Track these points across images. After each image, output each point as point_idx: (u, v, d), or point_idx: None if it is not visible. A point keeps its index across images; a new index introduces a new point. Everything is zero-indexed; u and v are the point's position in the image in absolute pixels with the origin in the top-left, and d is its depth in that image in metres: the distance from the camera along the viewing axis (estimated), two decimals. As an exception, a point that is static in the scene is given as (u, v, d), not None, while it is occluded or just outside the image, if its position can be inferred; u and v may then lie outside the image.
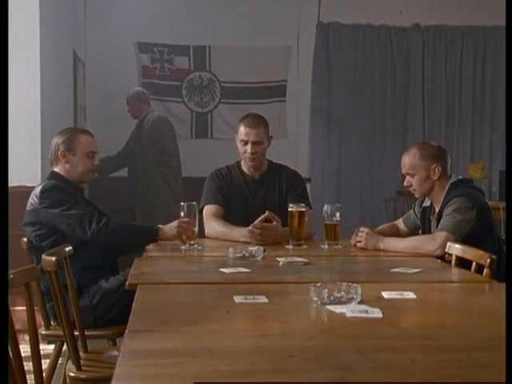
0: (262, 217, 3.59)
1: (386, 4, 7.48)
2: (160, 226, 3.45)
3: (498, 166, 7.35)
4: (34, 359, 2.18)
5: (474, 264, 2.88)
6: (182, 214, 3.38)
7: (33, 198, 3.38)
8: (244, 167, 3.98)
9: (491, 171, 7.35)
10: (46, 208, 3.34)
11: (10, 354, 1.90)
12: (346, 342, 1.75)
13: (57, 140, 3.51)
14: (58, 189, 3.38)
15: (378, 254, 3.32)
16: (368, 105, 7.63)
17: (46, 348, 3.66)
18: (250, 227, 3.55)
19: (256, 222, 3.57)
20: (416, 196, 3.66)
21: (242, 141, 3.85)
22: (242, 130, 3.85)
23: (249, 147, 3.83)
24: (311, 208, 3.94)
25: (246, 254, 3.05)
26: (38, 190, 3.40)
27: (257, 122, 3.88)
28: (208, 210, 3.83)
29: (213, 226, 3.74)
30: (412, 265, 2.87)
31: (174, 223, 3.39)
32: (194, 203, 3.45)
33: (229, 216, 3.85)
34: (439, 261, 3.16)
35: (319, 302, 2.09)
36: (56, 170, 3.50)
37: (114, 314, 3.18)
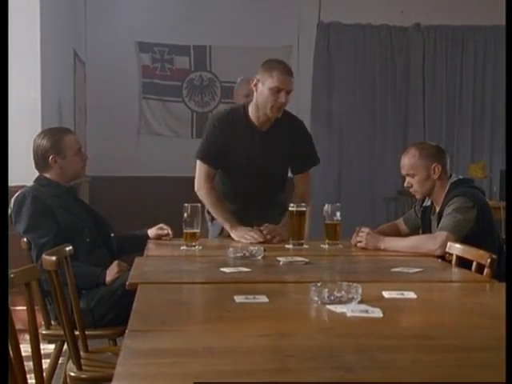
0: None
1: (387, 4, 7.48)
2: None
3: (499, 165, 7.35)
4: (35, 359, 2.18)
5: (474, 264, 2.88)
6: (186, 215, 3.36)
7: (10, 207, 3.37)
8: (253, 115, 3.71)
9: (492, 171, 7.35)
10: (15, 223, 3.35)
11: (11, 353, 1.90)
12: (347, 341, 1.75)
13: (43, 144, 3.43)
14: (26, 204, 3.33)
15: (379, 254, 3.32)
16: (368, 104, 7.63)
17: (47, 347, 3.66)
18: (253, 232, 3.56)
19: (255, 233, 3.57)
20: (417, 197, 3.65)
21: (274, 88, 3.55)
22: (279, 76, 3.55)
23: (282, 96, 3.57)
24: (319, 161, 3.92)
25: (247, 254, 3.05)
26: (13, 198, 3.38)
27: (291, 70, 3.65)
28: (201, 167, 3.75)
29: (203, 191, 3.74)
30: (412, 264, 2.87)
31: (114, 265, 3.32)
32: (198, 205, 3.45)
33: (227, 167, 3.79)
34: (440, 260, 3.16)
35: (319, 302, 2.09)
36: (47, 175, 3.45)
37: (112, 317, 3.16)
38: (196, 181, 3.82)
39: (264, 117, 3.69)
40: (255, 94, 3.67)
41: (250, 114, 3.73)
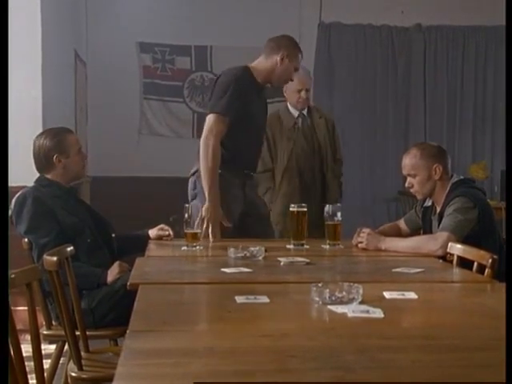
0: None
1: (388, 4, 7.47)
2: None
3: (500, 166, 7.35)
4: (36, 359, 2.18)
5: (475, 264, 2.88)
6: (186, 215, 3.36)
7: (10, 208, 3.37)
8: (260, 77, 3.95)
9: (493, 171, 7.35)
10: (16, 224, 3.36)
11: (12, 353, 1.90)
12: (347, 342, 1.75)
13: (45, 144, 3.43)
14: (26, 205, 3.33)
15: (380, 254, 3.32)
16: (369, 105, 7.63)
17: (48, 348, 3.66)
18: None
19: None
20: (418, 197, 3.66)
21: (296, 67, 3.99)
22: (300, 58, 3.99)
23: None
24: None
25: (248, 254, 3.05)
26: (13, 199, 3.38)
27: None
28: (216, 123, 3.76)
29: (212, 143, 3.72)
30: (413, 265, 2.87)
31: (115, 265, 3.33)
32: (199, 205, 3.44)
33: (236, 126, 3.83)
34: (441, 261, 3.16)
35: (320, 302, 2.09)
36: (49, 176, 3.46)
37: (113, 317, 3.17)
38: (207, 134, 3.76)
39: (268, 82, 4.01)
40: (277, 65, 3.91)
41: (256, 75, 3.94)
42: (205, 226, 3.61)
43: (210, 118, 3.78)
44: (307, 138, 5.00)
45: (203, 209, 3.65)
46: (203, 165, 3.73)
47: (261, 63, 3.97)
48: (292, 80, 4.10)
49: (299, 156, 4.96)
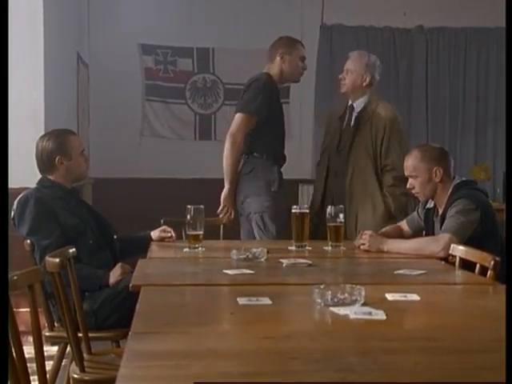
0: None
1: (390, 6, 7.47)
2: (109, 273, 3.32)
3: (502, 167, 7.33)
4: (38, 361, 2.18)
5: (477, 266, 2.88)
6: (189, 217, 3.36)
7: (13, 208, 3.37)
8: (276, 80, 4.34)
9: (495, 173, 7.34)
10: (18, 226, 3.36)
11: (14, 355, 1.90)
12: (350, 343, 1.75)
13: (48, 146, 3.43)
14: (29, 206, 3.33)
15: (382, 256, 3.32)
16: (371, 106, 7.61)
17: (50, 349, 3.66)
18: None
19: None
20: (420, 199, 3.66)
21: (302, 57, 4.41)
22: (302, 47, 4.43)
23: (305, 63, 4.52)
24: None
25: (250, 256, 3.06)
26: (16, 201, 3.39)
27: None
28: (243, 122, 4.16)
29: (239, 139, 4.13)
30: (416, 266, 2.87)
31: (117, 267, 3.32)
32: (201, 206, 3.44)
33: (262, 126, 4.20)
34: (443, 262, 3.16)
35: (323, 304, 2.09)
36: (51, 177, 3.46)
37: (115, 319, 3.17)
38: (235, 130, 4.15)
39: (284, 82, 4.51)
40: (281, 64, 4.34)
41: (274, 80, 4.32)
42: (224, 212, 4.16)
43: (239, 116, 4.16)
44: (342, 137, 4.35)
45: (222, 198, 4.17)
46: (228, 156, 4.13)
47: (271, 69, 4.36)
48: (305, 68, 4.44)
49: (331, 157, 4.37)
